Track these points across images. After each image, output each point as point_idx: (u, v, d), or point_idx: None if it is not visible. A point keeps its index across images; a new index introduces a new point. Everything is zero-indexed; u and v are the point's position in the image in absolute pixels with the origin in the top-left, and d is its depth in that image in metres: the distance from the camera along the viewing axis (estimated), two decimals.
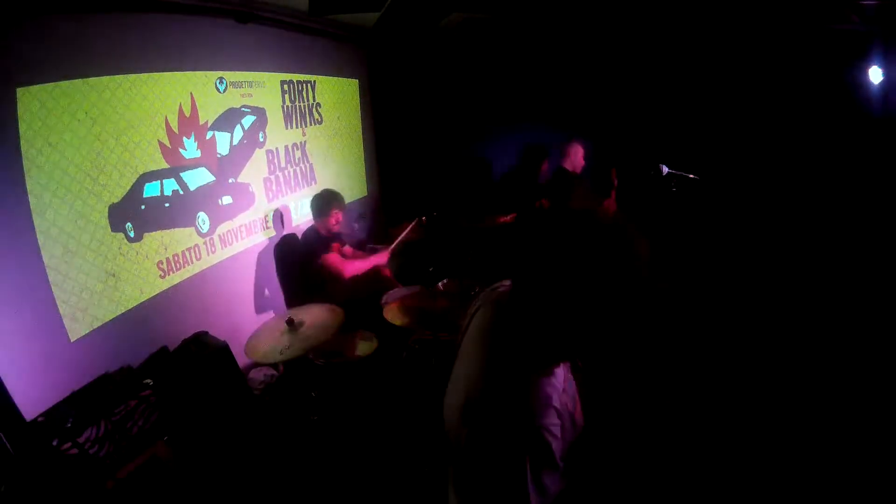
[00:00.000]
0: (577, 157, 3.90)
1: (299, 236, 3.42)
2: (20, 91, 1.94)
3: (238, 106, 3.19)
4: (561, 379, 0.90)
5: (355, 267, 3.14)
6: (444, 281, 3.05)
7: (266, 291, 3.49)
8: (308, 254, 3.08)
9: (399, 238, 3.51)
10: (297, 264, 3.17)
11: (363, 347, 2.75)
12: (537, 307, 0.86)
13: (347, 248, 3.47)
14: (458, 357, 1.00)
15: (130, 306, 2.50)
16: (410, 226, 3.58)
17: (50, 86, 2.05)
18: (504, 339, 0.93)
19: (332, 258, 3.01)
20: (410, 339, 2.68)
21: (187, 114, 2.79)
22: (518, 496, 0.78)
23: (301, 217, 3.88)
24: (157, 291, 2.66)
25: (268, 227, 3.53)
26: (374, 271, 3.32)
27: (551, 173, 3.96)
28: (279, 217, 3.63)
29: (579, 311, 0.81)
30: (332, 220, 3.16)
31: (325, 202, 3.14)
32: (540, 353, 0.88)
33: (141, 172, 2.52)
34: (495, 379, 0.88)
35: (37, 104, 2.01)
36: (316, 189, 3.94)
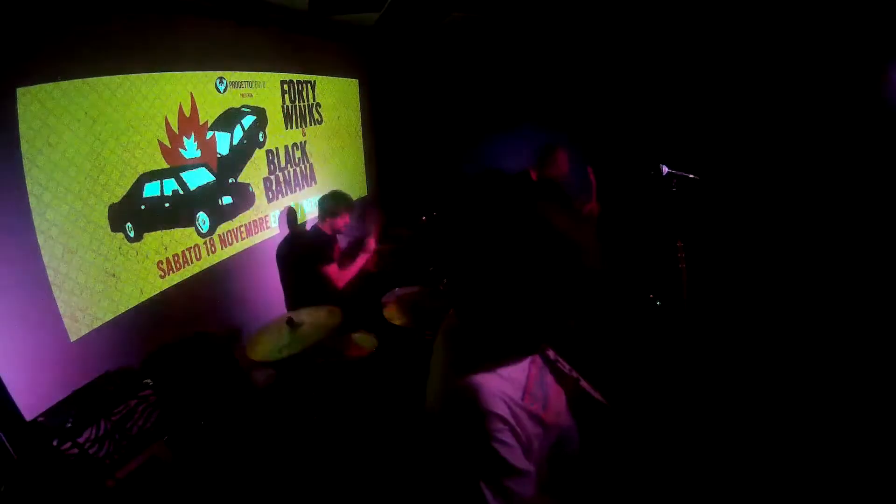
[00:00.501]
0: (563, 162, 3.69)
1: (301, 237, 3.41)
2: (20, 91, 1.95)
3: (238, 106, 3.19)
4: (519, 382, 0.88)
5: (349, 274, 3.13)
6: (445, 281, 3.05)
7: (267, 292, 3.49)
8: (311, 256, 3.07)
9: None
10: (299, 266, 3.16)
11: (363, 347, 2.75)
12: (467, 300, 0.88)
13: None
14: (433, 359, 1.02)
15: (130, 306, 2.50)
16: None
17: (50, 86, 2.05)
18: (450, 343, 0.95)
19: (331, 270, 3.02)
20: (426, 332, 2.66)
21: (187, 114, 2.79)
22: (471, 498, 0.79)
23: (304, 216, 3.88)
24: (157, 291, 2.66)
25: (269, 227, 3.53)
26: (364, 269, 3.29)
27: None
28: (284, 217, 3.64)
29: (504, 300, 0.82)
30: (341, 222, 3.18)
31: (335, 203, 3.15)
32: (479, 351, 0.88)
33: (141, 172, 2.52)
34: (439, 384, 0.90)
35: (37, 104, 2.01)
36: (316, 189, 3.95)
